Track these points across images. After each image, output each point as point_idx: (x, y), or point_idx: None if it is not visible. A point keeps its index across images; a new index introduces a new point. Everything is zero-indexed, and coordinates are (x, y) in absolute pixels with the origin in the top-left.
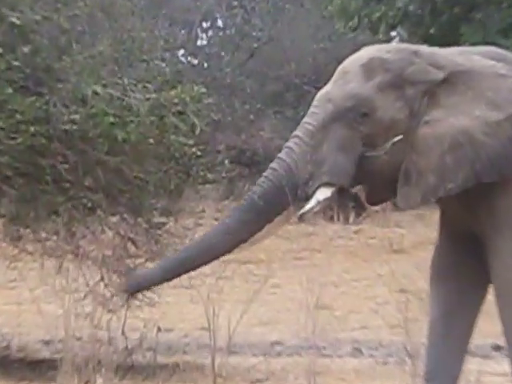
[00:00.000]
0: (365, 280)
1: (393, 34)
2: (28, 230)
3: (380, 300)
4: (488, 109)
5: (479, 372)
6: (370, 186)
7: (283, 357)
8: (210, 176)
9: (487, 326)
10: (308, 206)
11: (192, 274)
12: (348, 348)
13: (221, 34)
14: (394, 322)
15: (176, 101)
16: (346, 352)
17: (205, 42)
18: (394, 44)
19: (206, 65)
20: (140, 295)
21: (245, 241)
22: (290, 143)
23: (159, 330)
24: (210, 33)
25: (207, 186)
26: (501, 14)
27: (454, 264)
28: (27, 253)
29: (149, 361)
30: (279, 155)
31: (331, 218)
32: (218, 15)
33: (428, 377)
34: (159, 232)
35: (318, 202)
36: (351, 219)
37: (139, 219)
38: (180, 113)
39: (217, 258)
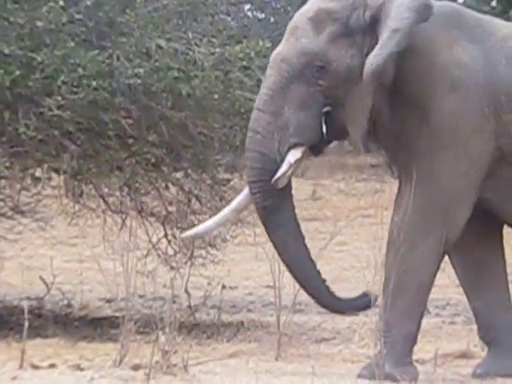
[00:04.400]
0: None
1: None
2: (90, 186)
3: (446, 258)
4: None
5: None
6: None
7: (349, 315)
8: None
9: None
10: (281, 171)
11: (257, 230)
12: None
13: None
14: None
15: (241, 56)
16: None
17: None
18: None
19: (272, 19)
20: (204, 252)
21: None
22: (255, 123)
23: (223, 287)
24: None
25: None
26: None
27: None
28: (89, 209)
29: (213, 319)
30: (250, 146)
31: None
32: None
33: None
34: (224, 188)
35: (290, 165)
36: None
37: (204, 175)
38: (245, 68)
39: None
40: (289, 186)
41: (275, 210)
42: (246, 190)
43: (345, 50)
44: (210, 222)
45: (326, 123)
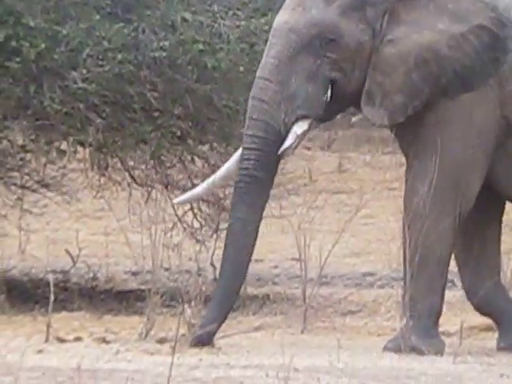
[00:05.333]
0: None
1: None
2: (115, 159)
3: None
4: (451, 21)
5: None
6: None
7: (375, 288)
8: None
9: None
10: (288, 143)
11: (283, 203)
12: None
13: None
14: None
15: (266, 28)
16: None
17: None
18: None
19: None
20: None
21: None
22: (259, 92)
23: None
24: None
25: None
26: None
27: None
28: (114, 182)
29: (240, 292)
30: (253, 115)
31: None
32: None
33: None
34: None
35: (297, 137)
36: None
37: (229, 148)
38: None
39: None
40: (277, 165)
41: (261, 182)
42: (235, 157)
43: (355, 23)
44: (199, 189)
45: (332, 95)
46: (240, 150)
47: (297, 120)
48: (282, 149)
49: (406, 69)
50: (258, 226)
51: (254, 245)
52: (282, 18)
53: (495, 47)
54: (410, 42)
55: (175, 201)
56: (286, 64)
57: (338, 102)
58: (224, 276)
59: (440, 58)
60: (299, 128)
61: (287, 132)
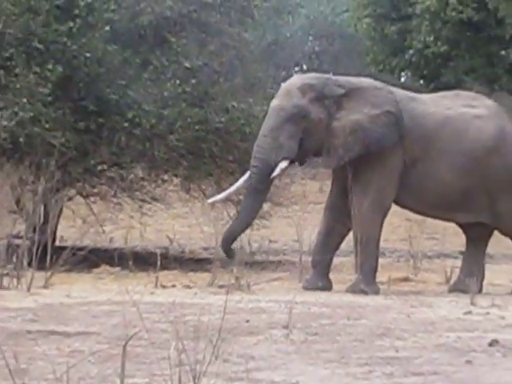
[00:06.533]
0: None
1: (402, 74)
2: (194, 184)
3: (395, 224)
4: (371, 108)
5: (452, 266)
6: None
7: (340, 257)
8: None
9: (458, 241)
10: (276, 173)
11: (289, 209)
12: None
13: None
14: (403, 237)
15: None
16: None
17: None
18: (315, 74)
19: None
20: (258, 222)
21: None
22: (260, 142)
23: (270, 241)
24: (300, 73)
25: None
26: (465, 62)
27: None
28: (194, 197)
29: (264, 259)
30: (256, 155)
31: None
32: (302, 62)
33: None
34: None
35: (281, 170)
36: None
37: None
38: None
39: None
40: (270, 183)
41: (260, 191)
42: (243, 178)
43: (318, 107)
44: (222, 194)
45: (302, 147)
46: (246, 175)
47: (282, 159)
48: (272, 175)
49: (344, 135)
50: (256, 210)
51: (254, 214)
52: (275, 101)
53: (396, 123)
54: (347, 119)
55: (209, 201)
56: (277, 128)
57: (304, 153)
58: (239, 219)
59: (363, 129)
60: (283, 164)
61: (275, 166)
